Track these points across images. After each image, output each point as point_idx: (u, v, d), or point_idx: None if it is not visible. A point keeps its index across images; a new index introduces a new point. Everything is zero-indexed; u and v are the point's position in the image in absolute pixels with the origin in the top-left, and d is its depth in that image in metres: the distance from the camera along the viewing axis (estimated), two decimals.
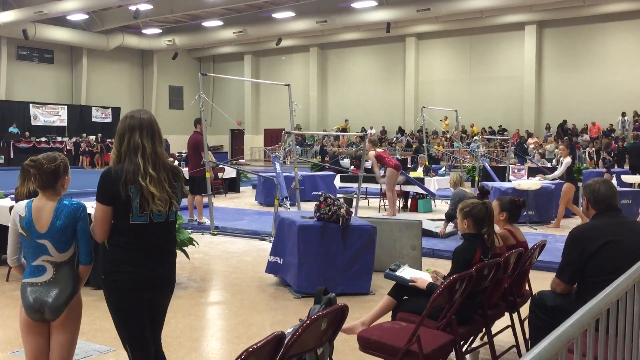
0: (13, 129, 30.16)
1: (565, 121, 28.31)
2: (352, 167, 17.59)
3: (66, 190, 3.14)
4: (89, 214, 3.07)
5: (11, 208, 3.42)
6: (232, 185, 17.45)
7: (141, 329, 2.99)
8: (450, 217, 9.03)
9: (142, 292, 2.96)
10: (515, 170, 14.65)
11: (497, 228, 4.74)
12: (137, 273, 2.93)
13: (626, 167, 21.51)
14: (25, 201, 3.06)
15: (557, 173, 11.54)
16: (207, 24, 32.35)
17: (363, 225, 6.37)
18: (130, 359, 3.02)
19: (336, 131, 31.30)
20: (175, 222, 3.11)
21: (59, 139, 31.56)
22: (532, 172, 14.94)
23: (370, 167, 12.32)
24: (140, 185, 2.88)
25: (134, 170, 2.89)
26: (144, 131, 2.97)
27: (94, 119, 34.21)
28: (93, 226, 2.98)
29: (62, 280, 3.00)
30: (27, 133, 30.33)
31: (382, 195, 13.53)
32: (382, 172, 11.50)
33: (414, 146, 29.15)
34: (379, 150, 11.01)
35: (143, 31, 33.57)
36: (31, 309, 2.97)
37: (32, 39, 29.84)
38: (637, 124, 26.46)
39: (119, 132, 3.01)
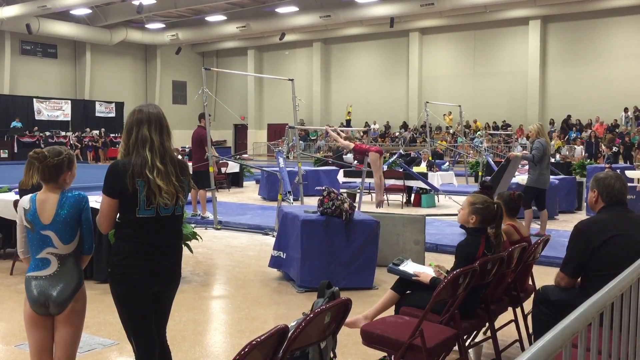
0: (16, 124, 30.20)
1: (569, 116, 28.23)
2: (356, 162, 17.57)
3: (70, 185, 3.15)
4: (94, 207, 3.08)
5: (15, 202, 3.43)
6: (235, 180, 17.46)
7: (146, 322, 2.99)
8: None
9: (148, 286, 2.96)
10: (519, 166, 14.58)
11: None
12: (143, 266, 2.93)
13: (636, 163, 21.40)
14: (29, 195, 3.07)
15: None
16: (210, 18, 32.32)
17: (366, 220, 6.37)
18: (135, 352, 3.03)
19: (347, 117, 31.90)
20: (182, 217, 3.11)
21: (63, 133, 31.61)
22: None
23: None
24: (147, 178, 2.88)
25: (141, 163, 2.89)
26: (152, 125, 2.97)
27: (97, 114, 34.26)
28: (98, 218, 2.99)
29: (66, 273, 3.01)
30: (35, 128, 30.39)
31: (385, 190, 13.51)
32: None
33: (418, 141, 29.16)
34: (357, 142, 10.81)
35: (146, 26, 33.54)
36: (36, 302, 2.97)
37: (35, 34, 29.86)
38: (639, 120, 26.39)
39: (127, 125, 3.01)
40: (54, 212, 2.97)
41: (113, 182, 2.91)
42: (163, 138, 2.99)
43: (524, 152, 8.90)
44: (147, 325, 2.99)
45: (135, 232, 2.93)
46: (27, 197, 3.05)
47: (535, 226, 10.19)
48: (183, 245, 3.97)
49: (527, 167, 14.23)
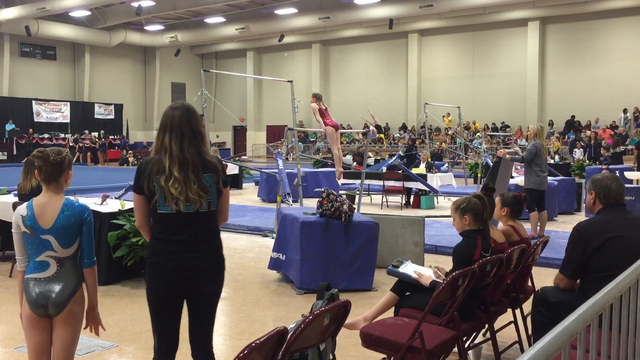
0: (9, 126, 30.05)
1: (573, 117, 28.15)
2: (355, 163, 17.59)
3: (68, 186, 3.15)
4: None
5: (15, 204, 3.43)
6: (234, 182, 17.44)
7: (167, 321, 3.00)
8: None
9: (172, 285, 2.94)
10: (518, 167, 14.60)
11: (500, 224, 4.74)
12: (166, 265, 2.92)
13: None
14: (26, 203, 3.09)
15: None
16: (209, 20, 32.33)
17: (365, 222, 6.36)
18: (155, 348, 3.05)
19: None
20: (211, 213, 3.00)
21: (62, 135, 31.60)
22: None
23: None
24: (160, 185, 2.92)
25: (159, 167, 2.93)
26: (173, 133, 2.97)
27: (96, 116, 34.26)
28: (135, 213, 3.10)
29: (65, 275, 3.01)
30: (30, 130, 30.36)
31: (384, 191, 13.52)
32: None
33: (417, 142, 29.13)
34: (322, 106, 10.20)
35: (145, 28, 33.56)
36: (35, 304, 2.98)
37: (34, 36, 29.85)
38: (639, 121, 26.37)
39: (160, 125, 3.05)
40: (54, 217, 2.98)
41: (137, 178, 2.99)
42: (184, 145, 2.95)
43: (517, 149, 8.92)
44: (167, 325, 3.00)
45: (160, 229, 2.96)
46: (23, 205, 3.08)
47: (526, 226, 10.18)
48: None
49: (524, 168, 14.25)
